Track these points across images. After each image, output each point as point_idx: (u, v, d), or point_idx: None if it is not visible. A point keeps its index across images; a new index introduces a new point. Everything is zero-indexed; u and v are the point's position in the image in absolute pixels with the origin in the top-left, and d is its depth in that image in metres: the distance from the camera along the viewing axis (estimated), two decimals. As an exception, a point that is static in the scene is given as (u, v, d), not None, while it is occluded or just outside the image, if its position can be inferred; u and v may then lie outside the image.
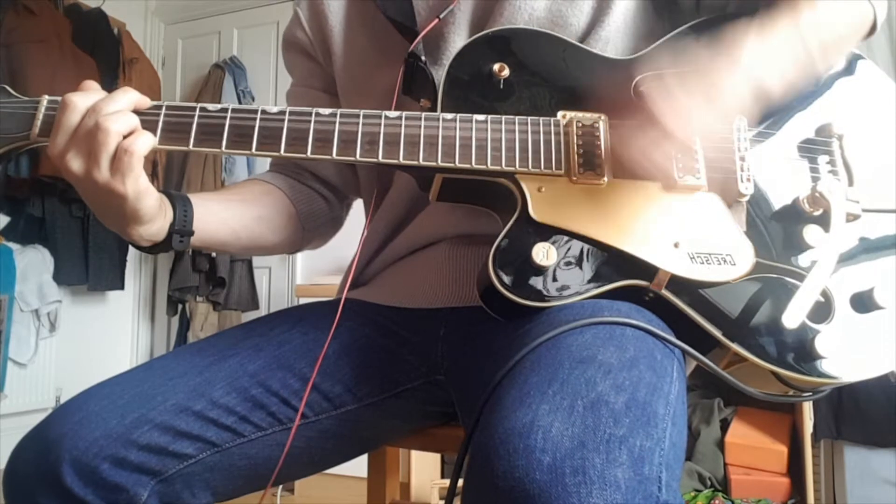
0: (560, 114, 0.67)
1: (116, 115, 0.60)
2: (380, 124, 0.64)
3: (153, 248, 0.70)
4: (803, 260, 0.64)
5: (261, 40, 3.47)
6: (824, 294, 0.63)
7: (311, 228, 0.90)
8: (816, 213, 0.65)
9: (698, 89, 0.61)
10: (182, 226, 0.70)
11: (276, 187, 0.87)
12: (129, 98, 0.63)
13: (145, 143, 0.61)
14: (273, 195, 0.86)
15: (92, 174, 0.60)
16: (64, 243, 3.03)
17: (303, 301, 2.38)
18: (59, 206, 3.01)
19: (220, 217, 0.77)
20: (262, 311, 3.19)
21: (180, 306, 3.39)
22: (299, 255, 3.26)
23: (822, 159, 0.69)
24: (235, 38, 3.57)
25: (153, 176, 3.23)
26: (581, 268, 0.61)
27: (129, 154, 0.59)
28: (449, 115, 0.65)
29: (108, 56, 3.11)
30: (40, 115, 0.63)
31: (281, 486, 2.58)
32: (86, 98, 0.61)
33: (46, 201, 2.96)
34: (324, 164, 0.90)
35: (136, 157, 0.60)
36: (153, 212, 0.65)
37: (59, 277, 3.02)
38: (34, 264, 2.93)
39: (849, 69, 0.75)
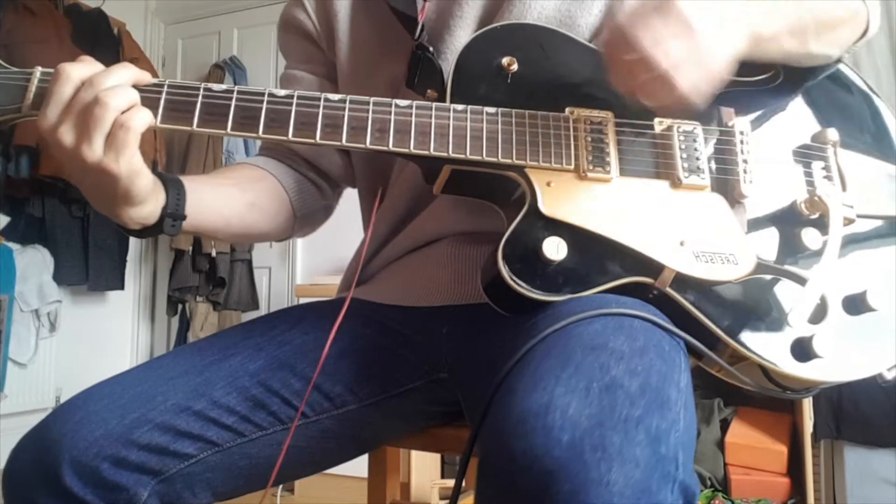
0: (567, 110, 0.67)
1: (116, 89, 0.58)
2: (390, 112, 0.64)
3: (143, 232, 0.67)
4: (801, 261, 0.65)
5: (261, 40, 3.46)
6: (820, 296, 0.63)
7: (302, 216, 0.89)
8: (814, 217, 0.66)
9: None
10: (175, 209, 0.67)
11: (268, 173, 0.85)
12: (128, 73, 0.60)
13: (143, 119, 0.58)
14: (266, 181, 0.84)
15: (83, 150, 0.57)
16: (64, 243, 3.03)
17: (303, 301, 2.38)
18: (59, 206, 3.01)
19: (212, 203, 0.75)
20: (262, 311, 3.19)
21: (180, 306, 3.39)
22: (299, 255, 3.26)
23: (817, 165, 0.70)
24: (235, 38, 3.57)
25: (153, 171, 3.22)
26: (588, 263, 0.62)
27: (126, 129, 0.57)
28: (460, 106, 0.65)
29: (108, 56, 3.10)
30: (33, 87, 0.61)
31: (281, 486, 2.58)
32: (81, 69, 0.59)
33: (46, 201, 2.96)
34: (318, 152, 0.88)
35: (132, 133, 0.58)
36: (145, 193, 0.62)
37: (59, 277, 3.01)
38: (34, 264, 2.93)
39: (836, 79, 0.77)
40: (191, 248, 3.22)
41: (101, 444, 0.63)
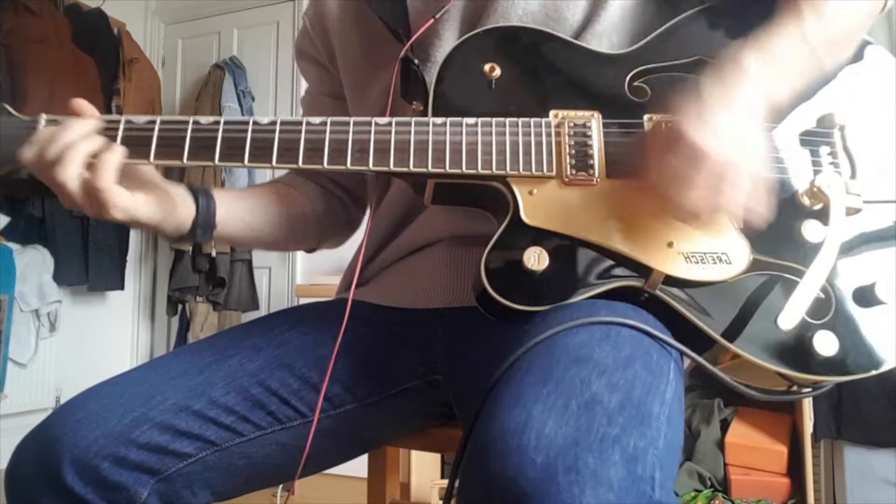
0: (552, 113, 0.66)
1: (66, 157, 0.60)
2: (370, 132, 0.64)
3: (180, 240, 0.74)
4: (802, 256, 0.63)
5: (261, 40, 3.46)
6: (824, 290, 0.62)
7: (327, 230, 0.92)
8: (816, 208, 0.64)
9: (715, 105, 0.58)
10: (205, 219, 0.73)
11: (293, 189, 0.89)
12: (77, 130, 0.62)
13: (108, 174, 0.61)
14: (292, 196, 0.88)
15: (84, 210, 0.62)
16: (64, 243, 3.03)
17: (303, 301, 2.37)
18: (59, 206, 2.97)
19: (241, 214, 0.80)
20: (262, 312, 3.19)
21: (180, 306, 3.39)
22: (299, 256, 3.26)
23: (824, 150, 0.67)
24: (235, 38, 3.57)
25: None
26: (575, 270, 0.61)
27: (99, 191, 0.61)
28: (439, 120, 0.65)
29: (108, 56, 3.11)
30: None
31: (281, 486, 2.57)
32: (38, 149, 0.62)
33: (46, 201, 2.96)
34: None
35: (106, 193, 0.61)
36: (157, 216, 0.67)
37: (59, 277, 3.01)
38: (34, 264, 2.93)
39: (856, 56, 0.71)
40: (191, 249, 3.22)
41: (102, 444, 0.63)
